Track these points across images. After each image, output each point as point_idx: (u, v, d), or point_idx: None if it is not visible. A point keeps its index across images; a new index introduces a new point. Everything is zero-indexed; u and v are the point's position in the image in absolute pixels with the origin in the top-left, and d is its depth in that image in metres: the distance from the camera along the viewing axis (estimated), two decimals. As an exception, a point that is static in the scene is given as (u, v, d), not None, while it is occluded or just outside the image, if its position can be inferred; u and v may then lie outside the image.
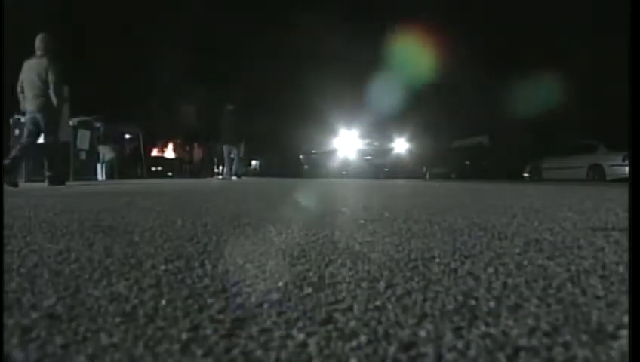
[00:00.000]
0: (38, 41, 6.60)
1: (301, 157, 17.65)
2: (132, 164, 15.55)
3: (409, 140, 15.13)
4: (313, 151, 16.75)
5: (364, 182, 9.55)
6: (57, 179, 6.72)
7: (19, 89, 6.67)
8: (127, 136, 15.90)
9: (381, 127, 15.00)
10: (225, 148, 12.51)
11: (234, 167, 12.28)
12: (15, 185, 6.04)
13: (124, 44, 16.74)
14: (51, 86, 6.43)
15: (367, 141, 14.82)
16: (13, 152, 6.52)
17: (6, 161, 6.16)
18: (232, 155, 12.41)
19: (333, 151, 15.22)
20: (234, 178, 11.94)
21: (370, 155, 14.73)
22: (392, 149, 14.93)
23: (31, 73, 6.51)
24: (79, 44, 15.94)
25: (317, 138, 16.17)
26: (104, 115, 12.31)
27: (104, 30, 16.76)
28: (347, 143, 14.82)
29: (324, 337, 0.67)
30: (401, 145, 14.99)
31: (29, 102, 6.53)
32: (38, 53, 6.58)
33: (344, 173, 14.54)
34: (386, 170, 14.65)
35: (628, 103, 0.99)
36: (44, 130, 6.60)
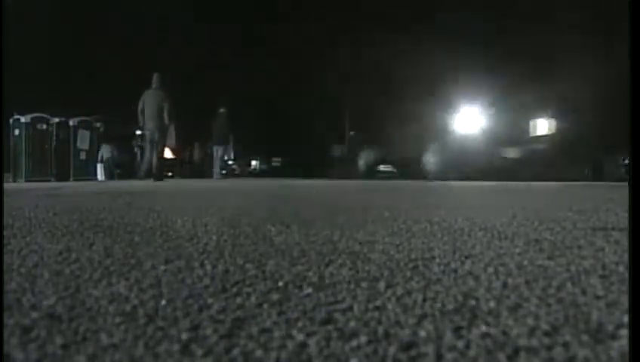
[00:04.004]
0: (155, 78, 9.39)
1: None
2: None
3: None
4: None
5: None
6: (160, 177, 9.16)
7: (139, 111, 9.31)
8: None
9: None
10: (214, 148, 13.19)
11: (220, 166, 13.13)
12: (160, 179, 9.02)
13: (123, 45, 16.73)
14: (166, 112, 9.23)
15: None
16: (146, 164, 9.62)
17: (145, 167, 9.57)
18: (219, 155, 13.11)
19: None
20: (220, 175, 12.77)
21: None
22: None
23: (151, 100, 9.29)
24: (79, 44, 15.95)
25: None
26: (104, 114, 12.35)
27: (104, 30, 16.77)
28: None
29: (324, 337, 0.67)
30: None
31: (148, 121, 9.31)
32: (154, 85, 9.38)
33: None
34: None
35: (628, 103, 0.99)
36: (156, 141, 9.36)
